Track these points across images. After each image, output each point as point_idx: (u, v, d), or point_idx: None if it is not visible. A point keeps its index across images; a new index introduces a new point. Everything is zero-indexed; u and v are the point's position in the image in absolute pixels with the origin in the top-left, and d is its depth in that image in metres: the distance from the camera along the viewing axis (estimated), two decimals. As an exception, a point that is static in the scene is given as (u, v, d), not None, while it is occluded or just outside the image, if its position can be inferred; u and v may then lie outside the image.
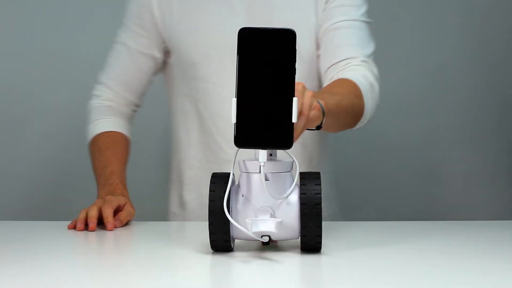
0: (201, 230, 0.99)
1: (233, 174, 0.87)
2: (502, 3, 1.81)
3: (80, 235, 1.04)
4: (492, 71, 1.81)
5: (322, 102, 0.93)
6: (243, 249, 0.91)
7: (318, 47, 1.24)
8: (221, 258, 0.86)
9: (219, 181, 0.87)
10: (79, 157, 1.70)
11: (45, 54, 1.71)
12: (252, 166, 0.86)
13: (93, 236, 1.04)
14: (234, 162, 0.87)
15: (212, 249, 0.88)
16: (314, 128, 0.94)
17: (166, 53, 1.31)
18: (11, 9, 1.69)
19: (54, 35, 1.71)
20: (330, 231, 0.99)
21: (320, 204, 0.85)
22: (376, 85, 1.18)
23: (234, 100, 0.83)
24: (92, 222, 1.05)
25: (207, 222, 0.86)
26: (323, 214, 0.86)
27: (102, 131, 1.30)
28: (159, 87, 1.73)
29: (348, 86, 1.13)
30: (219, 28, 1.24)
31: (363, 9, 1.25)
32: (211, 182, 0.86)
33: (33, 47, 1.71)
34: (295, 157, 0.89)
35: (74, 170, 1.70)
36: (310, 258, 0.86)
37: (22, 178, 1.71)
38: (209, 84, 1.26)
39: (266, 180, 0.85)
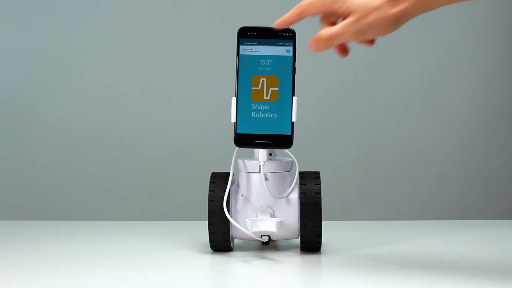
0: (201, 230, 0.98)
1: (233, 173, 0.87)
2: (502, 2, 1.81)
3: (80, 235, 1.04)
4: (492, 71, 1.81)
5: None
6: (242, 248, 0.91)
7: None
8: (221, 258, 0.86)
9: (219, 180, 0.87)
10: (79, 157, 1.70)
11: (46, 54, 1.71)
12: (251, 165, 0.86)
13: (92, 236, 1.04)
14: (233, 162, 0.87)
15: (212, 249, 0.88)
16: None
17: None
18: (18, 6, 1.69)
19: (60, 33, 1.71)
20: (330, 231, 0.99)
21: (320, 203, 0.85)
22: None
23: (234, 99, 0.83)
24: None
25: (207, 222, 0.86)
26: None
27: None
28: (159, 87, 1.73)
29: None
30: None
31: None
32: (210, 182, 0.86)
33: (34, 46, 1.71)
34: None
35: (74, 170, 1.70)
36: (310, 258, 0.86)
37: (22, 178, 1.71)
38: None
39: (266, 179, 0.85)
